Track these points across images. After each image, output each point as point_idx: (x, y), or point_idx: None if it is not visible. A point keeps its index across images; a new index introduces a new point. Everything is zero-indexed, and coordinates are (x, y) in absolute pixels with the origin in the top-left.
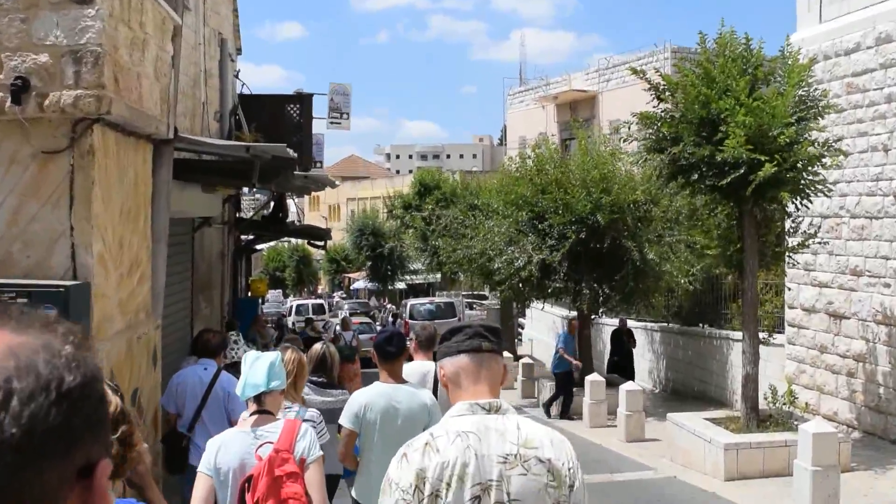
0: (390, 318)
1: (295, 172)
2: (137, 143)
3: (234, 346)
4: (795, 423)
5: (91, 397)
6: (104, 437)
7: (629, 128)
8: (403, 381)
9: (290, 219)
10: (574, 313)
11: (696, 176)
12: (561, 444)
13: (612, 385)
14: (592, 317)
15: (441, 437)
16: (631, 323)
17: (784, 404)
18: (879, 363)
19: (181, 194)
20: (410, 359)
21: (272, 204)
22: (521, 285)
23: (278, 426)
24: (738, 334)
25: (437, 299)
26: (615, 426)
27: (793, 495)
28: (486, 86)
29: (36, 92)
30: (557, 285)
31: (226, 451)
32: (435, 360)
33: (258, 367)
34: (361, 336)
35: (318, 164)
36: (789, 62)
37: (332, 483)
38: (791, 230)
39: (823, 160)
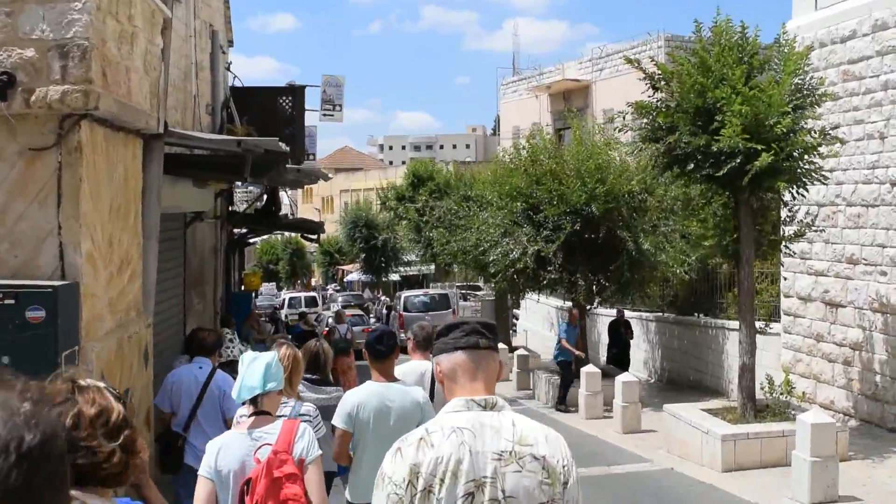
0: (384, 311)
1: (287, 166)
2: (127, 139)
3: (230, 344)
4: (793, 412)
5: (51, 455)
6: (64, 495)
7: (624, 117)
8: (395, 380)
9: (283, 211)
10: (569, 303)
11: (691, 166)
12: (556, 441)
13: (608, 376)
14: (588, 307)
15: (436, 432)
16: (626, 313)
17: (781, 394)
18: (876, 351)
19: (172, 189)
20: (404, 351)
21: (265, 197)
22: (515, 277)
23: (276, 427)
24: (734, 323)
25: (431, 291)
26: (611, 417)
27: (791, 486)
28: (480, 76)
29: (22, 87)
30: (552, 276)
31: (226, 453)
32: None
33: (254, 368)
34: (354, 328)
35: (311, 157)
36: (785, 50)
37: (326, 480)
38: (787, 219)
39: (820, 149)
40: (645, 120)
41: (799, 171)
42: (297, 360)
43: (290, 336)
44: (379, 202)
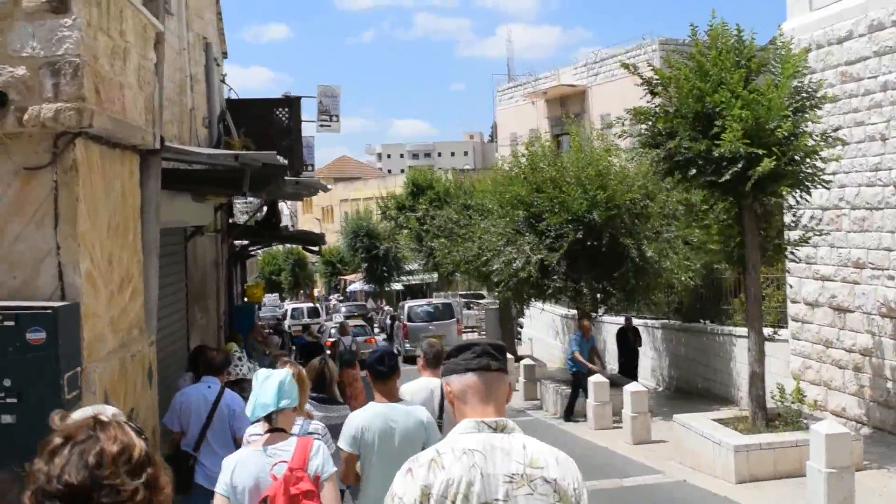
0: (388, 321)
1: (286, 178)
2: (123, 155)
3: (238, 362)
4: (805, 421)
5: None
6: None
7: (623, 123)
8: (398, 400)
9: (283, 223)
10: (574, 311)
11: (693, 171)
12: (566, 464)
13: (616, 385)
14: (593, 315)
15: (447, 453)
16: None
17: (792, 402)
18: (886, 357)
19: (171, 204)
20: (409, 361)
21: (265, 209)
22: (519, 286)
23: (291, 444)
24: (741, 330)
25: (434, 300)
26: (620, 427)
27: (807, 497)
28: (474, 82)
29: (14, 106)
30: (557, 285)
31: (241, 470)
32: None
33: (268, 386)
34: (357, 338)
35: (310, 167)
36: (783, 52)
37: None
38: (792, 224)
39: (822, 152)
40: (644, 126)
41: (801, 175)
42: (303, 379)
43: (294, 347)
44: (379, 212)
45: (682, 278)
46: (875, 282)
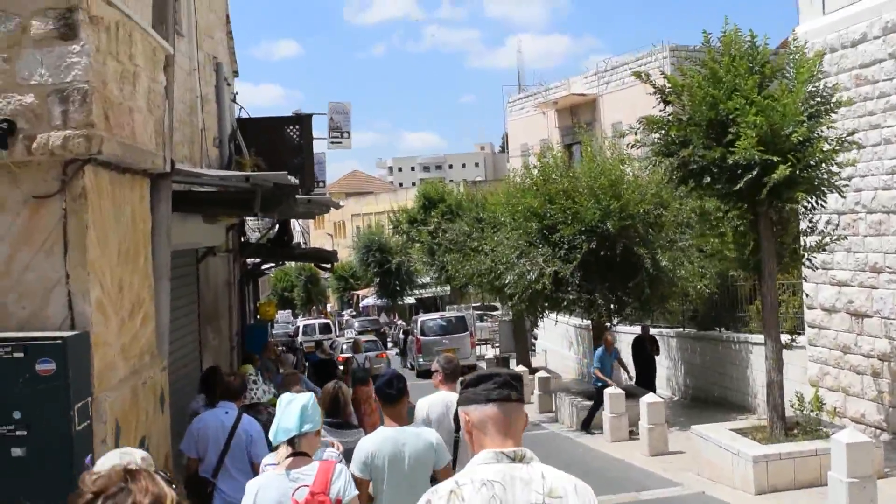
0: (401, 335)
1: (298, 196)
2: (133, 180)
3: (253, 386)
4: (824, 429)
5: None
6: None
7: (636, 132)
8: (407, 423)
9: (295, 240)
10: (588, 322)
11: (707, 179)
12: (584, 492)
13: (632, 396)
14: (608, 325)
15: (466, 485)
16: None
17: (812, 411)
18: None
19: (183, 226)
20: (422, 376)
21: (276, 227)
22: (533, 298)
23: (313, 468)
24: (757, 337)
25: (447, 314)
26: (637, 439)
27: None
28: (485, 93)
29: (23, 134)
30: (571, 297)
31: (264, 494)
32: (458, 405)
33: (291, 410)
34: (369, 353)
35: (321, 184)
36: (797, 57)
37: None
38: (808, 230)
39: (837, 158)
40: (657, 135)
41: (817, 180)
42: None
43: (307, 363)
44: (391, 226)
45: (698, 286)
46: (893, 286)
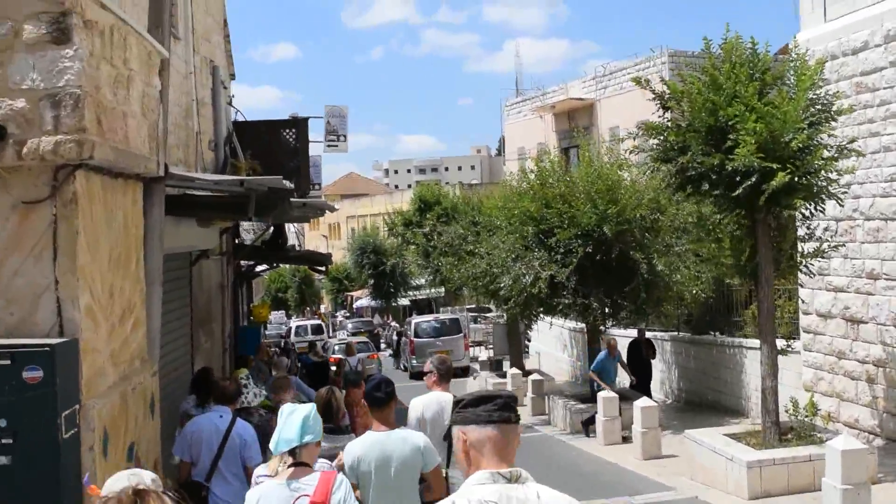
0: (395, 336)
1: (293, 200)
2: (126, 185)
3: (244, 390)
4: (818, 435)
5: None
6: None
7: (634, 138)
8: (395, 427)
9: (290, 241)
10: (582, 325)
11: (706, 186)
12: None
13: (625, 399)
14: (602, 328)
15: None
16: None
17: (806, 416)
18: None
19: (176, 229)
20: (416, 377)
21: (271, 229)
22: (528, 302)
23: (314, 479)
24: (752, 341)
25: (441, 316)
26: (630, 443)
27: None
28: (482, 97)
29: (13, 139)
30: (566, 301)
31: None
32: (453, 423)
33: (292, 421)
34: (360, 354)
35: (317, 186)
36: (798, 64)
37: None
38: (805, 236)
39: (836, 165)
40: (656, 140)
41: (816, 188)
42: None
43: (300, 364)
44: (386, 228)
45: (693, 291)
46: (889, 293)
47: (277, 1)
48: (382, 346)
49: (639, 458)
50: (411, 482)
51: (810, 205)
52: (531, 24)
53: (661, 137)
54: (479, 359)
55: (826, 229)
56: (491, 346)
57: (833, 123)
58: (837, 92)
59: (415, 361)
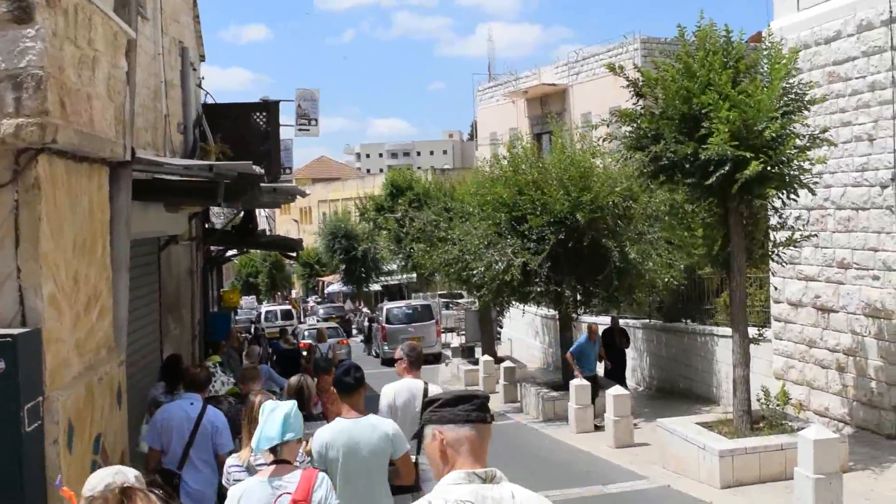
0: (366, 322)
1: (263, 185)
2: (91, 169)
3: (213, 378)
4: (790, 423)
5: None
6: None
7: (608, 125)
8: (364, 413)
9: (260, 226)
10: (553, 312)
11: (679, 174)
12: None
13: (599, 387)
14: (575, 316)
15: None
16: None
17: (778, 405)
18: (870, 357)
19: (144, 214)
20: (387, 364)
21: (242, 213)
22: (501, 289)
23: (296, 476)
24: (723, 329)
25: (413, 302)
26: (602, 430)
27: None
28: (454, 81)
29: None
30: (538, 289)
31: (246, 501)
32: (428, 422)
33: (274, 418)
34: (330, 340)
35: (287, 170)
36: (771, 52)
37: None
38: (777, 225)
39: (809, 154)
40: (629, 128)
41: (788, 177)
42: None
43: (270, 351)
44: (358, 213)
45: (665, 279)
46: (860, 282)
47: None
48: (354, 331)
49: (611, 446)
50: (380, 469)
51: (783, 194)
52: (504, 9)
53: (635, 125)
54: (451, 345)
55: (798, 218)
56: (463, 333)
57: (806, 113)
58: (810, 81)
59: (386, 348)
